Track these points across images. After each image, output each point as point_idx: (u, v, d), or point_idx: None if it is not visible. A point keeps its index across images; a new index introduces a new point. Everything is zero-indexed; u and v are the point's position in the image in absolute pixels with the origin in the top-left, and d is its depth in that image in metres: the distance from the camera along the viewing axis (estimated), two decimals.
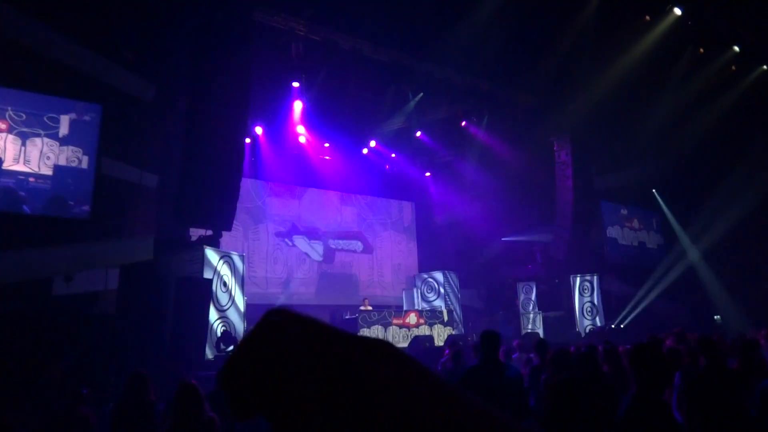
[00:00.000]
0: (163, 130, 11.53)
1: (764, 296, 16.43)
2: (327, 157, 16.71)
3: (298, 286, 15.80)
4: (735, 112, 16.34)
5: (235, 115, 10.56)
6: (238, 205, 11.33)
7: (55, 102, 10.30)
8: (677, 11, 13.77)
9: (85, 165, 10.32)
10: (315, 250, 16.87)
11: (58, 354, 7.93)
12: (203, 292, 9.39)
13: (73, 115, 10.34)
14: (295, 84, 13.75)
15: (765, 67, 16.01)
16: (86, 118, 10.40)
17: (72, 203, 10.18)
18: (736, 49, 15.31)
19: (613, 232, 18.80)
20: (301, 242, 16.59)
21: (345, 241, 17.65)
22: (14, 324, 8.17)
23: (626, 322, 16.15)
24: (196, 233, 11.03)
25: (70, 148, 10.25)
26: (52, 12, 10.07)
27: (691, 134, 16.67)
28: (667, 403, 2.97)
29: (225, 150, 10.33)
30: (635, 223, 19.75)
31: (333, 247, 17.28)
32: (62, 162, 10.16)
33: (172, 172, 10.94)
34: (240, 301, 10.80)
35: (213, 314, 9.81)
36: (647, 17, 14.06)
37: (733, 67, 16.03)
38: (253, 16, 11.42)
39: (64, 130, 10.26)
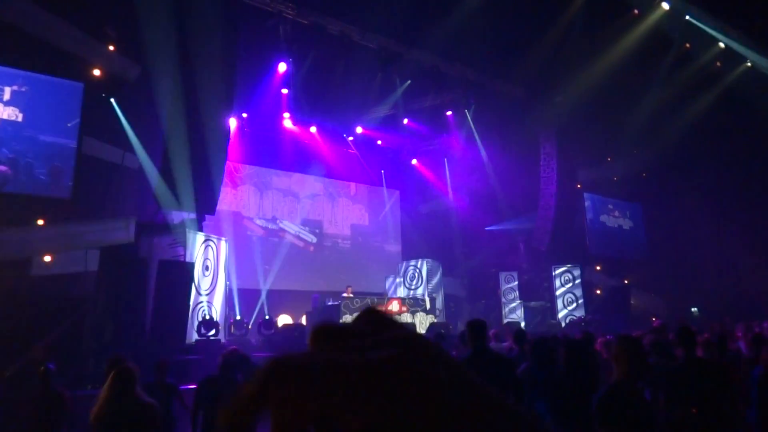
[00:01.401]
0: (147, 111, 11.37)
1: (741, 290, 16.72)
2: (313, 142, 16.61)
3: (282, 271, 15.75)
4: (720, 107, 16.51)
5: (221, 98, 10.45)
6: (222, 188, 11.24)
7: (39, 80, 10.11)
8: (665, 6, 13.84)
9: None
10: (299, 236, 16.82)
11: (38, 335, 7.84)
12: (185, 276, 9.33)
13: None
14: (282, 67, 13.62)
15: (749, 63, 16.17)
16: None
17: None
18: (722, 45, 15.44)
19: (595, 223, 18.99)
20: (284, 228, 16.53)
21: (328, 227, 17.62)
22: None
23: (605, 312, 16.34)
24: (178, 216, 10.94)
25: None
26: None
27: (676, 128, 16.84)
28: (642, 393, 3.02)
29: (209, 133, 10.23)
30: (618, 215, 19.96)
31: (316, 233, 17.25)
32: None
33: (155, 155, 10.81)
34: (222, 286, 10.74)
35: (194, 297, 9.75)
36: (636, 11, 14.12)
37: (719, 63, 16.18)
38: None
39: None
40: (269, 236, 16.17)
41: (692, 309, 17.51)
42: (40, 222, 9.98)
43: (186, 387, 5.32)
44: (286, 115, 15.10)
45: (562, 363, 4.05)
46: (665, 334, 6.24)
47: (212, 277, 10.50)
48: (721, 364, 4.21)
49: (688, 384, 3.65)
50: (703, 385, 3.62)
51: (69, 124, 10.37)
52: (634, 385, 2.83)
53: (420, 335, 0.36)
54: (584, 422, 2.92)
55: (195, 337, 9.40)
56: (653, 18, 14.12)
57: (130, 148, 11.30)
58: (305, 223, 17.01)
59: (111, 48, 10.96)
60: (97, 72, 10.85)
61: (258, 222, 16.03)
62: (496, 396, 0.34)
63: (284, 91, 14.19)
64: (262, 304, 14.17)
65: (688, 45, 15.54)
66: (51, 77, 10.32)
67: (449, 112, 17.09)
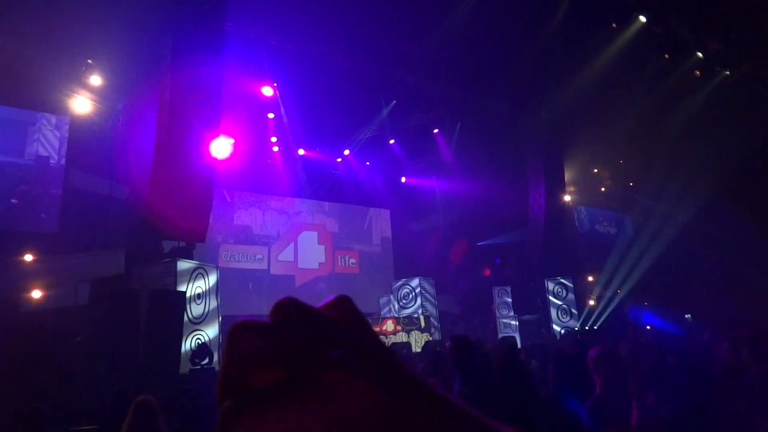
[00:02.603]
0: (133, 141, 11.36)
1: (734, 297, 16.79)
2: (301, 164, 16.64)
3: (274, 294, 15.67)
4: (700, 116, 16.73)
5: (206, 127, 10.46)
6: (212, 215, 11.21)
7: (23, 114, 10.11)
8: (642, 18, 14.08)
9: None
10: (290, 258, 16.77)
11: (30, 372, 7.74)
12: (176, 305, 9.25)
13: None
14: (268, 91, 13.69)
15: (728, 72, 16.44)
16: None
17: None
18: (700, 55, 15.70)
19: (585, 234, 19.07)
20: (275, 251, 16.48)
21: (320, 249, 17.59)
22: None
23: (599, 323, 16.36)
24: (168, 245, 10.88)
25: None
26: (18, 22, 9.89)
27: (659, 137, 17.03)
28: (625, 404, 3.07)
29: (197, 160, 10.22)
30: (607, 225, 20.06)
31: (309, 255, 17.21)
32: None
33: (142, 184, 10.78)
34: (215, 313, 10.67)
35: (187, 327, 9.66)
36: (614, 24, 14.35)
37: (698, 72, 16.43)
38: (226, 27, 11.36)
39: None
40: (259, 259, 16.11)
41: (686, 315, 17.55)
42: (28, 257, 9.90)
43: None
44: (274, 139, 15.15)
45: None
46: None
47: (204, 305, 10.42)
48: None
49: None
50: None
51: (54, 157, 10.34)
52: (618, 396, 2.87)
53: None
54: None
55: (189, 366, 9.30)
56: (631, 31, 14.35)
57: (117, 179, 11.27)
58: (296, 244, 16.98)
59: (95, 80, 10.98)
60: (81, 105, 10.86)
61: (248, 246, 15.97)
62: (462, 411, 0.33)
63: (270, 115, 14.25)
64: None
65: (666, 56, 15.78)
66: (36, 111, 10.32)
67: (436, 130, 17.21)
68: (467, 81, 14.87)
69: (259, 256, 16.17)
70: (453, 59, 13.40)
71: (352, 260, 18.38)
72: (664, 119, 16.90)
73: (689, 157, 17.54)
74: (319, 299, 0.41)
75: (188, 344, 9.69)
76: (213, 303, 10.75)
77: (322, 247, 17.73)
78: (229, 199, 15.75)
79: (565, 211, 17.66)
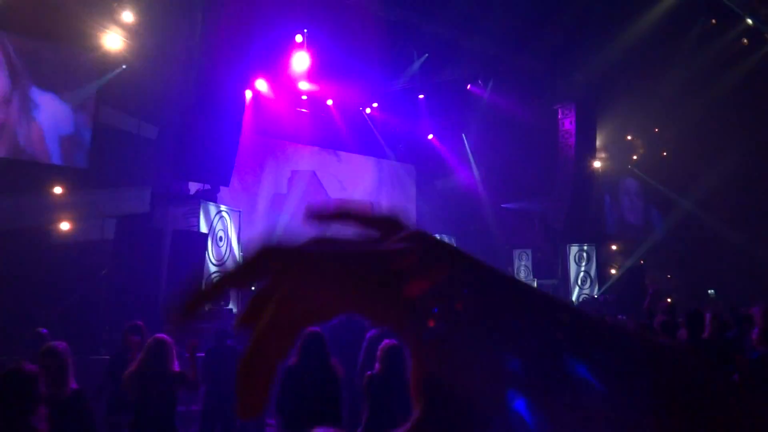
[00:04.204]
0: (163, 81, 11.33)
1: (760, 272, 16.49)
2: (329, 115, 16.51)
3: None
4: (745, 86, 16.11)
5: (236, 68, 10.39)
6: (237, 160, 11.24)
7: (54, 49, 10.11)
8: None
9: None
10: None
11: (53, 301, 7.97)
12: (199, 246, 9.39)
13: None
14: (299, 38, 13.47)
15: None
16: None
17: None
18: (750, 21, 15.00)
19: (614, 202, 18.78)
20: (296, 200, 16.55)
21: (341, 200, 17.59)
22: (9, 271, 8.17)
23: (619, 292, 16.23)
24: (194, 187, 10.97)
25: None
26: None
27: (699, 107, 16.48)
28: None
29: (225, 103, 10.19)
30: (638, 195, 19.71)
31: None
32: None
33: (171, 125, 10.81)
34: (237, 257, 10.81)
35: (209, 268, 9.82)
36: None
37: (745, 40, 15.74)
38: None
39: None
40: (281, 207, 16.20)
41: (709, 291, 17.35)
42: (57, 190, 10.06)
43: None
44: (304, 86, 14.98)
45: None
46: (674, 315, 6.22)
47: (225, 248, 10.56)
48: (721, 346, 4.23)
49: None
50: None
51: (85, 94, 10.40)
52: None
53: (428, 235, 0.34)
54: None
55: (208, 306, 9.46)
56: None
57: (145, 117, 11.31)
58: (319, 195, 17.01)
59: (126, 17, 10.88)
60: (112, 41, 10.80)
61: (271, 194, 16.05)
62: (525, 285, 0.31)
63: (302, 62, 14.05)
64: None
65: (714, 21, 15.12)
66: (67, 46, 10.31)
67: (468, 87, 16.87)
68: (503, 37, 14.42)
69: None
70: (490, 14, 12.98)
71: None
72: (706, 89, 16.30)
73: (727, 131, 17.00)
74: None
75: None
76: (235, 246, 10.89)
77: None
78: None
79: (593, 177, 17.34)
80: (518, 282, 0.31)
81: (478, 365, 0.26)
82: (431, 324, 0.27)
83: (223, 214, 10.71)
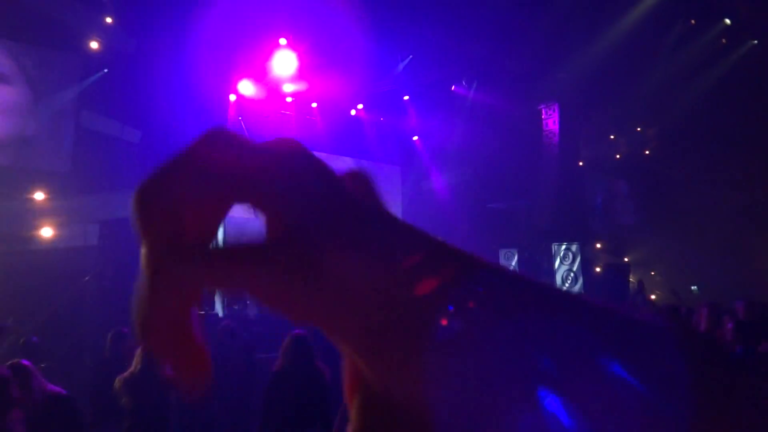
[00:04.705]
0: (146, 83, 11.25)
1: (745, 268, 16.70)
2: (314, 117, 16.48)
3: None
4: (724, 86, 16.33)
5: (220, 70, 10.35)
6: None
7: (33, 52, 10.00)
8: None
9: None
10: None
11: (39, 308, 7.87)
12: None
13: None
14: (283, 41, 13.44)
15: (755, 41, 15.94)
16: None
17: None
18: (728, 21, 15.21)
19: (598, 201, 18.93)
20: None
21: None
22: None
23: (604, 290, 16.35)
24: None
25: None
26: None
27: (679, 106, 16.69)
28: None
29: (208, 105, 10.15)
30: (621, 194, 19.88)
31: None
32: None
33: (154, 127, 10.73)
34: None
35: None
36: None
37: (724, 40, 15.96)
38: None
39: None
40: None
41: (692, 287, 17.53)
42: (39, 195, 9.94)
43: None
44: (288, 89, 14.95)
45: None
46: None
47: None
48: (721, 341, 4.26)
49: None
50: None
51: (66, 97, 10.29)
52: None
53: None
54: None
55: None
56: None
57: (128, 121, 11.21)
58: None
59: (108, 20, 10.80)
60: (94, 44, 10.71)
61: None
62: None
63: (286, 65, 14.02)
64: None
65: (692, 21, 15.31)
66: (48, 49, 10.20)
67: (453, 87, 16.94)
68: (487, 38, 14.51)
69: None
70: (474, 15, 13.06)
71: None
72: (686, 88, 16.51)
73: (708, 130, 17.20)
74: None
75: None
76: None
77: None
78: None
79: (577, 176, 17.48)
80: (533, 279, 0.29)
81: (504, 363, 0.25)
82: (444, 322, 0.26)
83: None
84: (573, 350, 0.25)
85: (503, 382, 0.24)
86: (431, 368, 0.25)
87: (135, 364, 4.02)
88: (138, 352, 4.11)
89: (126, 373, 4.00)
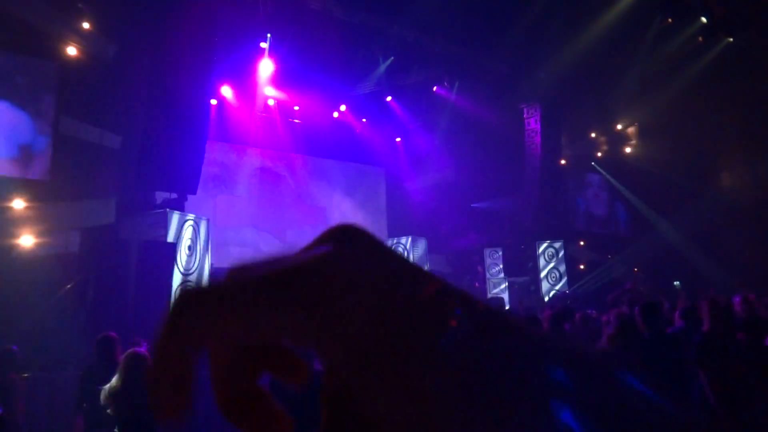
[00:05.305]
0: (125, 89, 11.15)
1: (725, 264, 16.94)
2: (296, 120, 16.44)
3: (264, 250, 15.68)
4: (701, 83, 16.57)
5: (200, 76, 10.28)
6: (205, 168, 11.11)
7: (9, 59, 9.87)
8: None
9: None
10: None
11: (19, 317, 7.76)
12: (167, 256, 9.25)
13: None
14: (264, 45, 13.40)
15: (731, 39, 16.20)
16: None
17: None
18: (704, 20, 15.44)
19: (580, 199, 19.09)
20: (265, 206, 16.43)
21: (311, 205, 17.54)
22: None
23: (586, 287, 16.49)
24: (160, 196, 10.81)
25: None
26: None
27: (657, 103, 16.90)
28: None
29: (189, 111, 10.07)
30: (603, 191, 20.07)
31: (300, 211, 17.17)
32: None
33: (135, 134, 10.63)
34: (206, 266, 10.68)
35: (177, 278, 9.68)
36: None
37: (700, 38, 16.19)
38: None
39: None
40: (251, 214, 16.07)
41: (675, 282, 17.73)
42: (18, 203, 9.81)
43: None
44: (270, 92, 14.90)
45: None
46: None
47: (195, 257, 10.42)
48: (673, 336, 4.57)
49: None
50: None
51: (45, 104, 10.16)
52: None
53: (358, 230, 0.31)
54: None
55: None
56: None
57: (108, 127, 11.10)
58: (287, 200, 16.92)
59: (86, 25, 10.68)
60: (71, 50, 10.59)
61: (239, 200, 15.90)
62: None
63: (266, 68, 13.98)
64: None
65: (669, 20, 15.52)
66: (26, 56, 10.07)
67: (435, 89, 16.99)
68: (467, 38, 14.60)
69: None
70: (453, 15, 13.12)
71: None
72: (664, 85, 16.73)
73: (687, 125, 17.44)
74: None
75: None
76: (204, 255, 10.76)
77: None
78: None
79: (560, 174, 17.62)
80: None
81: (515, 372, 0.24)
82: (454, 324, 0.25)
83: (191, 222, 10.57)
84: (593, 365, 0.25)
85: (516, 390, 0.23)
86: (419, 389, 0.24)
87: (121, 373, 3.96)
88: (122, 360, 4.05)
89: (112, 382, 3.94)
